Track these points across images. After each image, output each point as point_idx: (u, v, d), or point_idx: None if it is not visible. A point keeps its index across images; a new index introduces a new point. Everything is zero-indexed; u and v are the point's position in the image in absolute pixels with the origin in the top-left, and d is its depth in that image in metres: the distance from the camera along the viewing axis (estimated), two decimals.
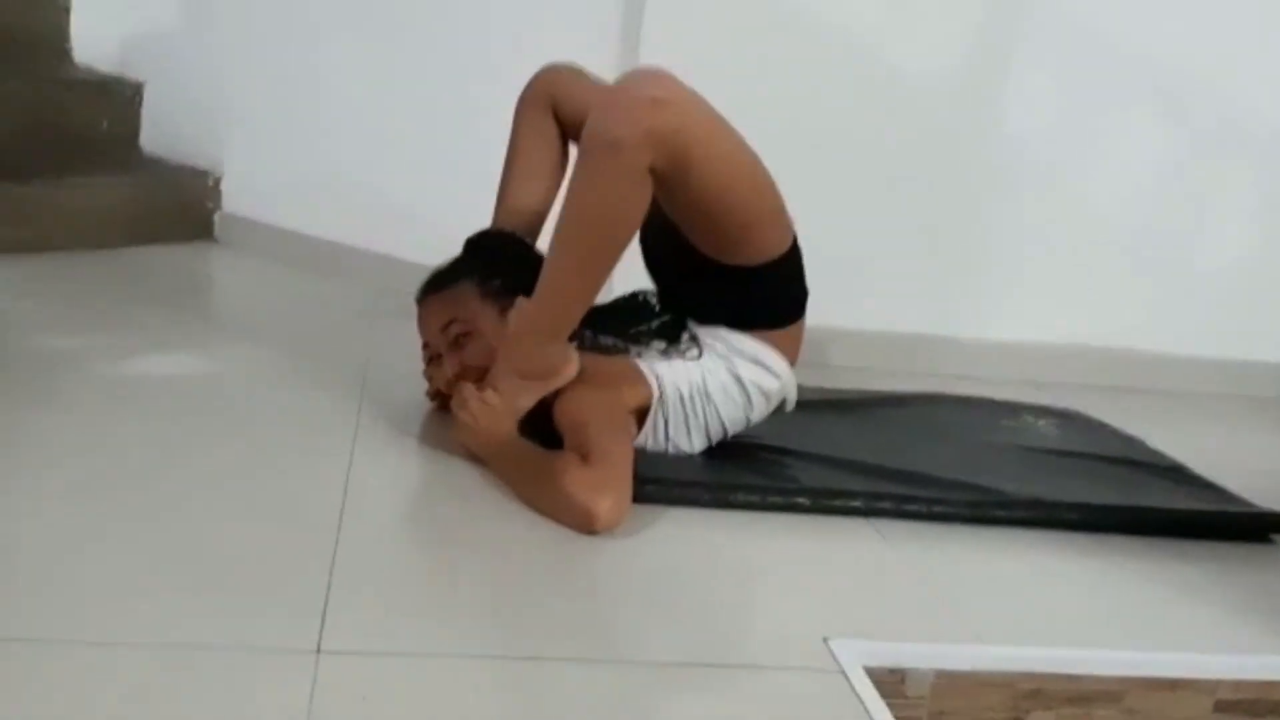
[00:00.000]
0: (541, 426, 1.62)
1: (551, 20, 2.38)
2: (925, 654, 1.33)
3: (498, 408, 1.59)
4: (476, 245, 1.79)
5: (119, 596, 1.19)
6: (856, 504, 1.67)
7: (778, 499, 1.66)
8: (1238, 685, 1.41)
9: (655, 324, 1.73)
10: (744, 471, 1.71)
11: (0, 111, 2.53)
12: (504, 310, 1.67)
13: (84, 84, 2.75)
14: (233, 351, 2.07)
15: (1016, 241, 2.56)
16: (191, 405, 1.76)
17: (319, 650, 1.14)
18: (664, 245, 1.69)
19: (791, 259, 1.68)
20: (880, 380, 2.34)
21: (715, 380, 1.69)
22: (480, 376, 1.64)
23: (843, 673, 1.24)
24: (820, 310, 1.77)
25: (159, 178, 2.71)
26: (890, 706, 1.20)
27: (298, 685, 1.08)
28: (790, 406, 1.80)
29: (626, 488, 1.50)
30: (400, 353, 1.91)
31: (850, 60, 2.40)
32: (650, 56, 2.24)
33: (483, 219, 1.83)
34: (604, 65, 1.93)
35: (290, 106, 2.65)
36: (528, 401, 1.61)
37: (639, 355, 1.70)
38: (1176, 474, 1.96)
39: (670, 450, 1.71)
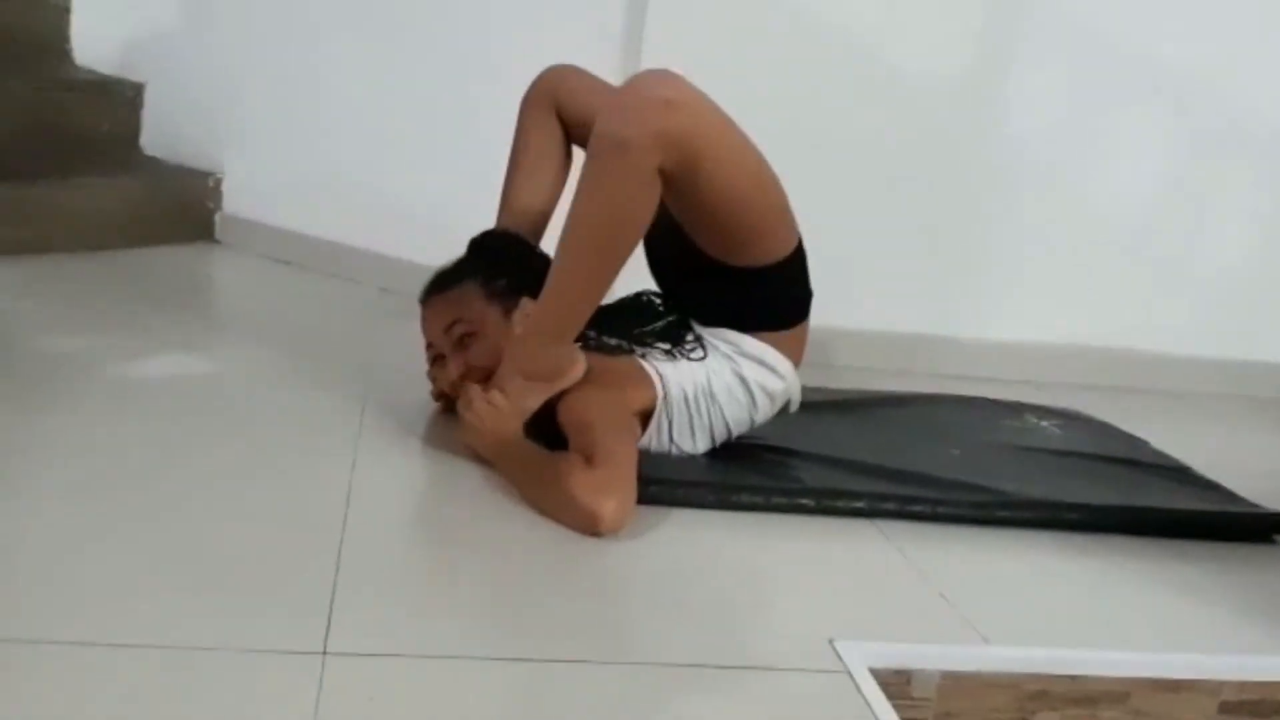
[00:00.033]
0: (546, 427, 1.62)
1: (552, 20, 2.38)
2: (931, 655, 1.33)
3: (504, 409, 1.59)
4: (480, 246, 1.78)
5: (123, 598, 1.19)
6: (860, 505, 1.67)
7: (781, 500, 1.66)
8: (1242, 686, 1.41)
9: (660, 325, 1.73)
10: (747, 472, 1.71)
11: (1, 112, 2.53)
12: (508, 311, 1.68)
13: (85, 85, 2.74)
14: (234, 352, 2.07)
15: (1017, 241, 2.57)
16: (193, 406, 1.76)
17: (325, 652, 1.14)
18: (668, 247, 1.69)
19: (796, 260, 1.68)
20: (881, 380, 2.34)
21: (720, 381, 1.69)
22: (484, 377, 1.64)
23: (848, 674, 1.24)
24: (820, 310, 1.77)
25: (160, 178, 2.70)
26: (896, 708, 1.20)
27: (304, 687, 1.08)
28: (794, 408, 1.80)
29: (631, 489, 1.49)
30: (403, 353, 1.91)
31: (850, 60, 2.40)
32: (652, 56, 2.24)
33: (483, 218, 1.83)
34: (605, 65, 1.93)
35: (291, 107, 2.65)
36: (534, 403, 1.61)
37: (643, 356, 1.70)
38: (1180, 475, 1.96)
39: (674, 451, 1.71)
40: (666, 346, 1.71)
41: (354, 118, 2.58)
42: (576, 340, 1.63)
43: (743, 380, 1.70)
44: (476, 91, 2.39)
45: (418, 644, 1.19)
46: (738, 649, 1.29)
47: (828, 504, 1.66)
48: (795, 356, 1.74)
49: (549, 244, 1.71)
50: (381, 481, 1.57)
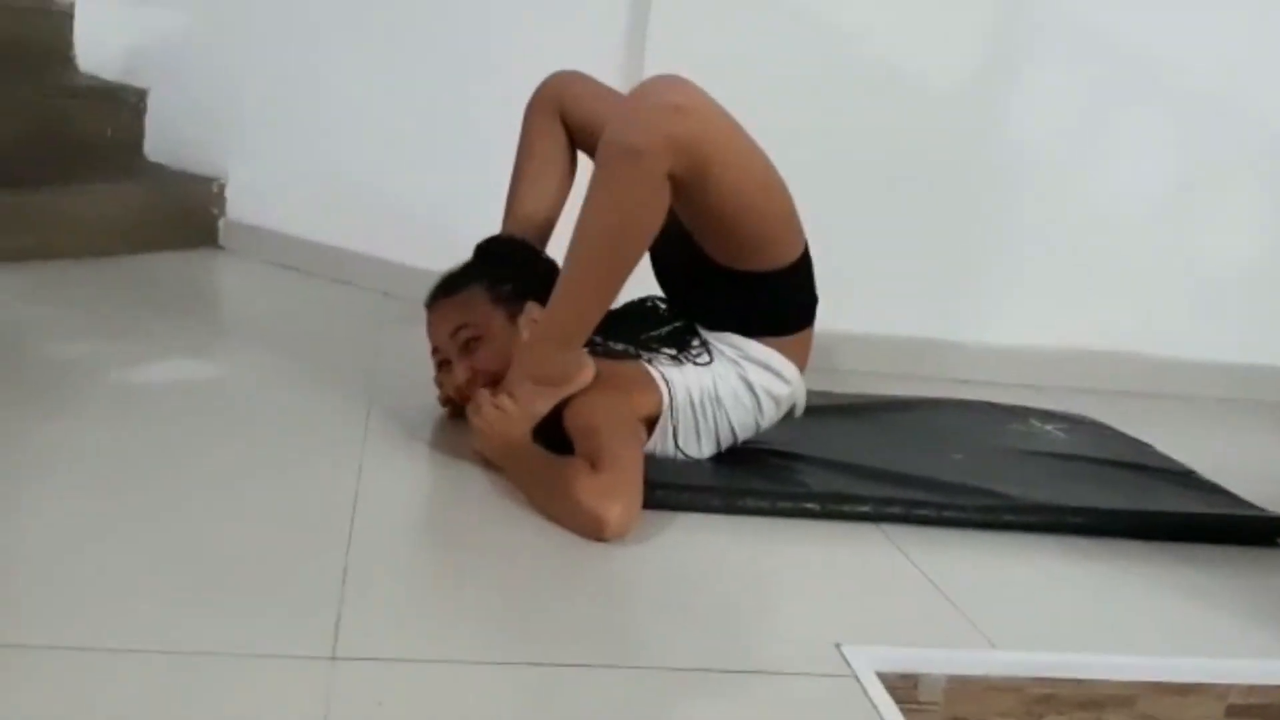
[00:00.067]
0: (552, 432, 1.62)
1: (552, 20, 2.38)
2: (938, 659, 1.33)
3: (513, 413, 1.59)
4: (486, 250, 1.79)
5: (127, 601, 1.19)
6: (866, 509, 1.67)
7: (787, 504, 1.66)
8: (1249, 690, 1.41)
9: (666, 330, 1.73)
10: (753, 477, 1.71)
11: (5, 119, 2.54)
12: (514, 315, 1.68)
13: (88, 91, 2.75)
14: (239, 357, 2.07)
15: (1018, 244, 2.56)
16: (199, 411, 1.76)
17: (334, 657, 1.14)
18: (675, 252, 1.69)
19: (802, 266, 1.68)
20: (884, 384, 2.34)
21: (726, 385, 1.69)
22: (490, 381, 1.65)
23: (855, 678, 1.23)
24: (822, 313, 1.76)
25: (164, 184, 2.71)
26: (903, 712, 1.20)
27: (314, 692, 1.07)
28: (799, 413, 1.80)
29: (636, 494, 1.49)
30: (407, 358, 1.92)
31: (851, 61, 2.40)
32: (655, 56, 2.24)
33: (483, 219, 1.83)
34: (607, 65, 1.93)
35: (294, 113, 2.65)
36: (543, 407, 1.61)
37: (650, 361, 1.70)
38: (1185, 479, 1.96)
39: (679, 456, 1.71)
40: (672, 351, 1.71)
41: (358, 124, 2.58)
42: (584, 345, 1.63)
43: (748, 385, 1.70)
44: (476, 91, 2.39)
45: (426, 649, 1.19)
46: (744, 653, 1.29)
47: (833, 508, 1.66)
48: (800, 361, 1.74)
49: (554, 249, 1.72)
50: (387, 486, 1.57)
